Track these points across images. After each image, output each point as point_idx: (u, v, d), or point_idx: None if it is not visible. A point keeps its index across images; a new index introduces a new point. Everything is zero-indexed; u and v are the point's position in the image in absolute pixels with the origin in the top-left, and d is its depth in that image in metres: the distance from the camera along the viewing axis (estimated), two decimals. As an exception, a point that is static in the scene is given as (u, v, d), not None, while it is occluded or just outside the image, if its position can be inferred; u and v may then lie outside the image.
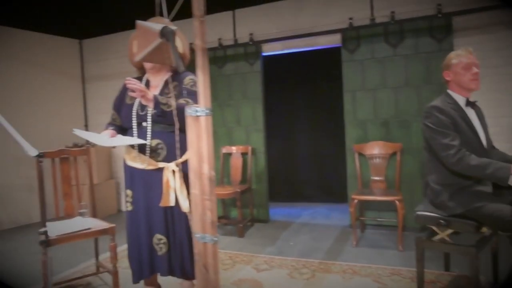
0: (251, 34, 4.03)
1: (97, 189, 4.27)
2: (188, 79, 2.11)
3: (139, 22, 1.74)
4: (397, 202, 3.04)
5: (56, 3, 3.72)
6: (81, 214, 2.72)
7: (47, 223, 2.57)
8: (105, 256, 3.09)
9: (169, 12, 2.01)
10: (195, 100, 2.01)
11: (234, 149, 3.99)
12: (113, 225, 2.51)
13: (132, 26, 5.40)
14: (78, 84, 5.15)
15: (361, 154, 3.58)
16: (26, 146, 1.86)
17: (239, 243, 3.47)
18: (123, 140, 1.99)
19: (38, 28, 4.55)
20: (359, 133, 3.68)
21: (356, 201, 3.18)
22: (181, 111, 1.90)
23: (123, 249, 3.17)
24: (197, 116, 1.30)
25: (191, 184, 1.35)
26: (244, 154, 4.02)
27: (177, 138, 1.99)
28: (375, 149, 3.48)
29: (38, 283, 2.71)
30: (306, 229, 3.84)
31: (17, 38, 4.44)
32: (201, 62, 1.29)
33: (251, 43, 4.01)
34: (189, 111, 1.32)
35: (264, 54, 4.11)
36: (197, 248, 1.36)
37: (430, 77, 3.40)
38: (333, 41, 3.79)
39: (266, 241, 3.48)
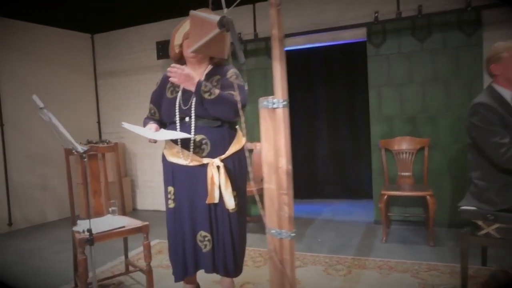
0: (272, 28, 3.98)
1: (113, 187, 4.22)
2: (231, 72, 2.07)
3: (193, 13, 1.70)
4: (428, 197, 3.04)
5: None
6: (111, 212, 2.68)
7: (79, 221, 2.55)
8: (130, 255, 3.06)
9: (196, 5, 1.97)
10: (239, 93, 1.98)
11: (255, 145, 3.96)
12: (146, 223, 2.47)
13: (146, 20, 5.35)
14: (91, 80, 5.08)
15: (387, 150, 3.57)
16: (74, 142, 1.81)
17: (265, 240, 3.43)
18: (168, 134, 1.95)
19: (49, 22, 4.47)
20: (384, 129, 3.67)
21: (385, 196, 3.17)
22: (226, 101, 1.87)
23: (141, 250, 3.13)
24: (274, 108, 1.28)
25: (266, 178, 1.33)
26: (265, 151, 3.99)
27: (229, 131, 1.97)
28: (403, 144, 3.48)
29: (68, 283, 2.67)
30: (330, 225, 3.84)
31: (28, 31, 4.36)
32: (278, 52, 1.27)
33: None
34: (265, 103, 1.29)
35: (285, 48, 4.06)
36: (272, 244, 1.33)
37: (458, 71, 3.40)
38: (358, 35, 3.77)
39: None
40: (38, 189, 4.39)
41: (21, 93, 4.21)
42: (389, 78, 3.63)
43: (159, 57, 4.46)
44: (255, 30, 4.08)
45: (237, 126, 2.12)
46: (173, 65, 1.84)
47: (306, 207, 4.60)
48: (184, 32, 2.07)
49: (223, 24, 1.55)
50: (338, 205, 4.65)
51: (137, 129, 1.91)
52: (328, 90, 4.87)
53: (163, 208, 4.89)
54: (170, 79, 1.83)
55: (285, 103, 1.27)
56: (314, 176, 5.04)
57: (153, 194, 4.84)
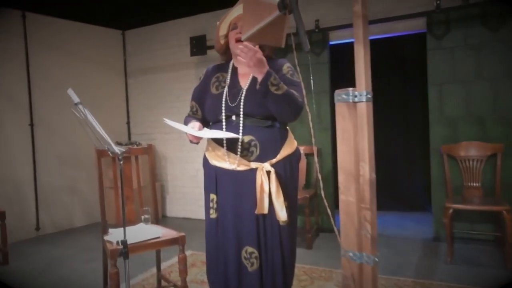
0: (317, 20, 3.80)
1: (143, 192, 4.16)
2: (286, 67, 1.91)
3: (247, -6, 1.55)
4: (504, 212, 2.73)
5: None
6: (144, 220, 2.57)
7: (111, 230, 2.45)
8: (162, 267, 2.93)
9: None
10: (298, 91, 1.81)
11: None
12: (182, 233, 2.35)
13: (179, 15, 5.24)
14: (121, 78, 5.07)
15: (449, 156, 3.28)
16: (111, 142, 1.70)
17: (309, 255, 3.24)
18: (213, 133, 1.80)
19: (80, 18, 4.49)
20: (446, 132, 3.37)
21: (451, 210, 2.88)
22: (292, 100, 1.70)
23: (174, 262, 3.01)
24: (355, 102, 1.08)
25: (342, 188, 1.13)
26: (308, 156, 3.79)
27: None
28: (470, 150, 3.17)
29: (98, 296, 2.58)
30: (381, 241, 3.56)
31: (59, 28, 4.39)
32: (362, 33, 1.08)
33: (317, 30, 3.79)
34: (344, 96, 1.10)
35: (331, 43, 3.88)
36: (348, 270, 1.14)
37: (539, 66, 3.06)
38: (415, 26, 3.50)
39: (339, 253, 3.23)
40: (66, 192, 4.40)
41: (51, 91, 4.24)
42: (453, 74, 3.33)
43: (193, 53, 4.37)
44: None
45: (287, 127, 1.95)
46: (246, 43, 1.65)
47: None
48: (230, 20, 1.91)
49: (285, 5, 1.38)
50: (387, 217, 4.36)
51: (179, 126, 1.78)
52: (378, 88, 4.58)
53: (194, 216, 4.84)
54: (238, 58, 1.66)
55: (369, 96, 1.08)
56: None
57: (184, 201, 4.74)
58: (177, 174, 4.78)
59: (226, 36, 1.94)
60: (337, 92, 1.13)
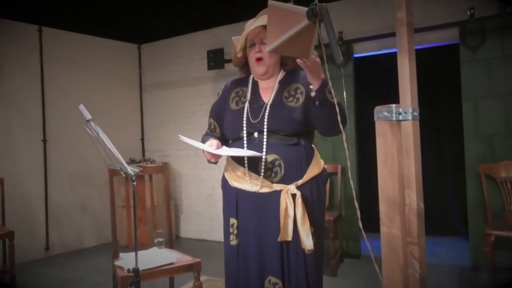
0: (340, 32, 3.73)
1: (156, 212, 4.09)
2: None
3: (272, 3, 1.48)
4: (554, 241, 2.53)
5: (114, 5, 3.69)
6: (157, 244, 2.49)
7: (122, 254, 2.37)
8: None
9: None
10: None
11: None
12: (198, 259, 2.25)
13: (196, 28, 5.21)
14: (136, 93, 5.09)
15: (488, 177, 3.10)
16: (124, 162, 1.64)
17: (334, 284, 3.07)
18: (235, 151, 1.72)
19: (95, 32, 4.54)
20: (483, 150, 3.20)
21: (493, 238, 2.69)
22: (341, 110, 1.61)
23: None
24: (399, 120, 0.98)
25: (384, 219, 1.02)
26: (331, 174, 3.66)
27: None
28: (512, 170, 2.99)
29: (107, 326, 2.49)
30: (412, 269, 3.37)
31: (75, 42, 4.45)
32: (406, 43, 0.99)
33: (340, 42, 3.71)
34: (385, 113, 1.00)
35: (356, 55, 3.79)
36: (392, 315, 1.01)
37: None
38: (447, 37, 3.39)
39: (367, 282, 3.06)
40: (77, 210, 4.36)
41: (65, 106, 4.26)
42: (490, 88, 3.18)
43: (210, 67, 4.35)
44: (320, 34, 3.84)
45: (312, 145, 1.86)
46: None
47: (378, 242, 4.15)
48: (246, 34, 1.83)
49: (315, 13, 1.30)
50: (417, 243, 4.15)
51: (195, 143, 1.70)
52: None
53: (209, 237, 4.73)
54: (297, 60, 1.59)
55: (415, 113, 0.97)
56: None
57: (198, 221, 4.65)
58: (191, 193, 4.71)
59: (243, 49, 1.88)
60: (377, 108, 1.03)
